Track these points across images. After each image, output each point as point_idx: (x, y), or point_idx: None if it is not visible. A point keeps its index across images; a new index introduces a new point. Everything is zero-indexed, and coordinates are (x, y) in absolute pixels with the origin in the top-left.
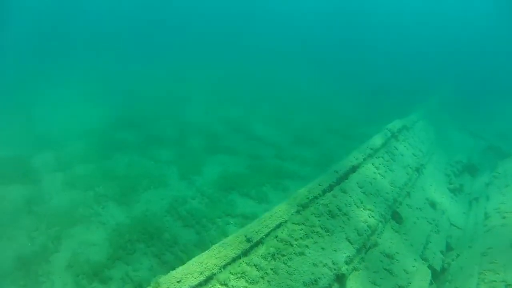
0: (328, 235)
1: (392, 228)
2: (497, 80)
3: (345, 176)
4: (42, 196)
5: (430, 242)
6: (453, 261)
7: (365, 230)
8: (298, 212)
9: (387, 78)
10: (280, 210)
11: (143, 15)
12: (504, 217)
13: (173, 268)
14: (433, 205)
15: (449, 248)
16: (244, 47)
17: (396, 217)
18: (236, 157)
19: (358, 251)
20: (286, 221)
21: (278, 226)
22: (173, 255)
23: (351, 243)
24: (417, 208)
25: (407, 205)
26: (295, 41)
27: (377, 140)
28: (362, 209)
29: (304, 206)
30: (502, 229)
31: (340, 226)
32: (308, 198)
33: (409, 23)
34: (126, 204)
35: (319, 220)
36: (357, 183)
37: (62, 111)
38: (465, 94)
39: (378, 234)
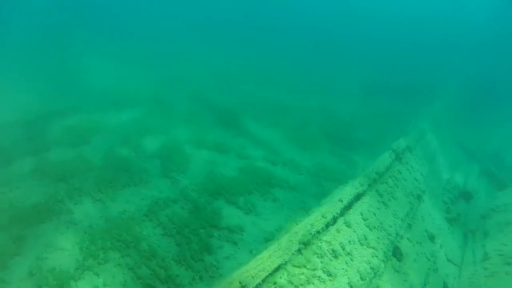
0: (330, 280)
1: (393, 267)
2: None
3: (349, 206)
4: (7, 183)
5: (429, 283)
6: None
7: (368, 273)
8: (299, 251)
9: (389, 77)
10: (280, 248)
11: None
12: (508, 263)
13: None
14: (432, 238)
15: None
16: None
17: (397, 253)
18: (225, 156)
19: None
20: (286, 263)
21: (277, 269)
22: (149, 270)
23: None
24: (417, 242)
25: (408, 238)
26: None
27: (382, 163)
28: (365, 247)
29: (306, 244)
30: (507, 278)
31: (343, 269)
32: (310, 233)
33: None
34: (102, 201)
35: (321, 262)
36: (361, 215)
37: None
38: (467, 100)
39: (379, 276)
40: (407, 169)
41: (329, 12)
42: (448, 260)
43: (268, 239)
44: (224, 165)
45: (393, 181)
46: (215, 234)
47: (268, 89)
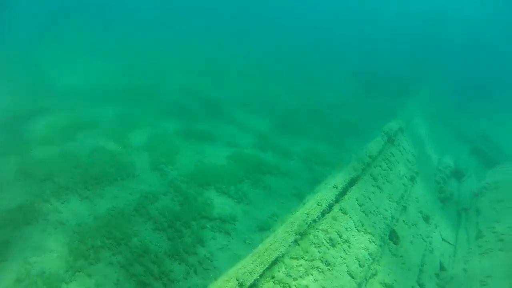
0: (329, 269)
1: (390, 251)
2: (489, 77)
3: (344, 192)
4: None
5: (425, 263)
6: (446, 284)
7: (366, 260)
8: (296, 242)
9: (381, 65)
10: (276, 240)
11: None
12: (501, 240)
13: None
14: (426, 219)
15: (442, 267)
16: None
17: (394, 237)
18: (214, 144)
19: (360, 285)
20: (283, 255)
21: (275, 262)
22: (142, 267)
23: (353, 277)
24: (412, 224)
25: (403, 221)
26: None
27: (374, 146)
28: (362, 233)
29: (303, 234)
30: (501, 255)
31: (341, 257)
32: (306, 223)
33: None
34: (90, 199)
35: (319, 252)
36: (357, 200)
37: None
38: (455, 87)
39: (377, 261)
40: (400, 151)
41: (319, 2)
42: (443, 239)
43: (262, 227)
44: (213, 154)
45: (386, 164)
46: (207, 225)
47: (257, 79)
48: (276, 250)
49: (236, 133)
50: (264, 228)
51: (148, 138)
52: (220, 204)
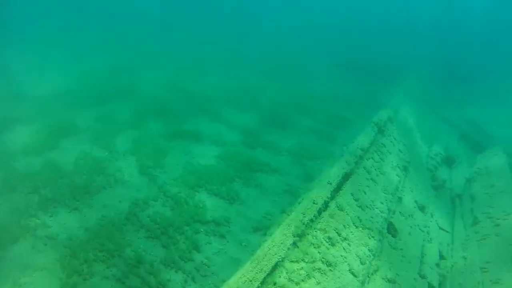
0: (331, 270)
1: (389, 244)
2: (470, 62)
3: (339, 187)
4: None
5: (425, 254)
6: (448, 273)
7: (367, 256)
8: (295, 244)
9: (365, 55)
10: (275, 244)
11: None
12: (497, 225)
13: None
14: (422, 208)
15: (441, 256)
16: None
17: (391, 229)
18: (201, 144)
19: (363, 283)
20: (283, 260)
21: (275, 267)
22: (139, 278)
23: (355, 276)
24: (409, 215)
25: (400, 212)
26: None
27: (365, 138)
28: (361, 229)
29: (301, 235)
30: (498, 240)
31: (342, 256)
32: (303, 223)
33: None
34: (79, 210)
35: (319, 252)
36: (352, 195)
37: None
38: (439, 73)
39: (378, 257)
40: (391, 141)
41: None
42: (440, 228)
43: (257, 228)
44: (201, 154)
45: (378, 155)
46: (201, 230)
47: (241, 73)
48: (275, 254)
49: (223, 131)
50: (259, 228)
51: (134, 141)
52: (213, 206)
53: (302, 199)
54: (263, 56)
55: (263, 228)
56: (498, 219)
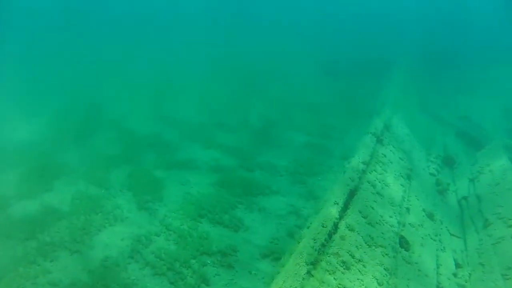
0: None
1: (404, 259)
2: (453, 50)
3: (346, 206)
4: None
5: (441, 264)
6: (466, 282)
7: (384, 276)
8: (309, 273)
9: (349, 52)
10: (288, 276)
11: None
12: (510, 226)
13: None
14: (430, 216)
15: (457, 265)
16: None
17: (403, 243)
18: (197, 172)
19: None
20: None
21: None
22: None
23: None
24: (419, 225)
25: (410, 224)
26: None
27: (365, 151)
28: (374, 247)
29: (314, 263)
30: None
31: (359, 280)
32: (315, 249)
33: None
34: (80, 252)
35: (335, 279)
36: (360, 213)
37: None
38: (425, 67)
39: (394, 275)
40: (390, 150)
41: None
42: (451, 234)
43: (265, 254)
44: (200, 183)
45: (380, 166)
46: (208, 262)
47: (224, 89)
48: (291, 287)
49: (218, 156)
50: (267, 254)
51: (128, 175)
52: (217, 236)
53: (311, 223)
54: (245, 63)
55: (271, 254)
56: (510, 219)
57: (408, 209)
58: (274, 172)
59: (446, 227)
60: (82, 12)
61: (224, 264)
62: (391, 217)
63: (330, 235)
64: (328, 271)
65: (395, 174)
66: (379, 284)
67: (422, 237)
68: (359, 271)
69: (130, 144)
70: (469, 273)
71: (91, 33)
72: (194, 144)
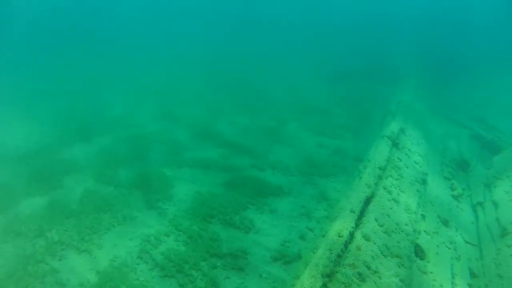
0: None
1: (419, 269)
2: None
3: (362, 214)
4: None
5: (456, 274)
6: None
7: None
8: (325, 286)
9: (354, 61)
10: None
11: None
12: None
13: None
14: (445, 223)
15: (473, 274)
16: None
17: (419, 251)
18: (208, 171)
19: None
20: None
21: None
22: None
23: None
24: (433, 232)
25: (425, 231)
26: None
27: (381, 155)
28: (390, 258)
29: (330, 275)
30: None
31: None
32: (331, 261)
33: None
34: (88, 251)
35: None
36: (376, 221)
37: None
38: (436, 70)
39: (409, 286)
40: (406, 154)
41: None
42: (466, 242)
43: (276, 257)
44: (210, 182)
45: (396, 171)
46: (219, 264)
47: (235, 90)
48: None
49: (229, 155)
50: (278, 258)
51: (138, 173)
52: (228, 237)
53: (326, 231)
54: (255, 71)
55: (282, 257)
56: None
57: (423, 216)
58: (286, 172)
59: (461, 234)
60: (86, 18)
61: (234, 267)
62: (406, 225)
63: (346, 245)
64: (344, 283)
65: (411, 180)
66: None
67: (437, 245)
68: (374, 283)
69: (139, 142)
70: (486, 284)
71: (95, 38)
72: (205, 143)
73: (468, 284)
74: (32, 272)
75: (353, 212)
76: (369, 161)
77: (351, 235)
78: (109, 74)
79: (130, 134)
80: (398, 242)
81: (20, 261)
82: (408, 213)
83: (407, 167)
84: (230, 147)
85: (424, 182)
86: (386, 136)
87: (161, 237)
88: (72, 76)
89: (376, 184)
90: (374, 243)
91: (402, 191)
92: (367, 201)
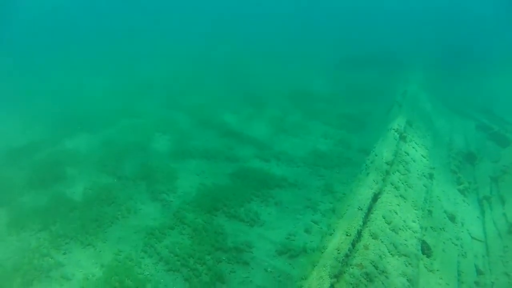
0: None
1: (426, 267)
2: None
3: (369, 211)
4: None
5: (462, 272)
6: None
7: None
8: (332, 287)
9: (360, 47)
10: None
11: None
12: None
13: None
14: (452, 218)
15: (479, 271)
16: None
17: (425, 249)
18: (214, 162)
19: None
20: None
21: None
22: None
23: None
24: (440, 228)
25: (431, 227)
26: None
27: (388, 149)
28: (397, 257)
29: (338, 276)
30: None
31: None
32: (339, 261)
33: None
34: (92, 245)
35: None
36: (384, 218)
37: None
38: (442, 62)
39: (416, 284)
40: (413, 147)
41: None
42: (472, 238)
43: (281, 251)
44: (215, 174)
45: (403, 166)
46: (224, 258)
47: (239, 80)
48: None
49: (233, 144)
50: (283, 251)
51: (141, 164)
52: (233, 231)
53: (333, 230)
54: (260, 59)
55: (287, 251)
56: None
57: (430, 212)
58: (291, 163)
59: (467, 229)
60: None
61: (239, 260)
62: (414, 221)
63: (353, 244)
64: (351, 284)
65: (418, 174)
66: None
67: (443, 242)
68: (382, 283)
69: (143, 132)
70: (492, 282)
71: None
72: (208, 132)
73: (475, 282)
74: (37, 265)
75: (361, 209)
76: (376, 155)
77: (359, 234)
78: (112, 69)
79: (133, 125)
80: (406, 240)
81: (25, 254)
82: (415, 210)
83: (414, 161)
84: (234, 137)
85: (431, 176)
86: (393, 129)
87: (165, 230)
88: (73, 71)
89: (383, 180)
90: (382, 241)
91: (409, 187)
92: (375, 198)
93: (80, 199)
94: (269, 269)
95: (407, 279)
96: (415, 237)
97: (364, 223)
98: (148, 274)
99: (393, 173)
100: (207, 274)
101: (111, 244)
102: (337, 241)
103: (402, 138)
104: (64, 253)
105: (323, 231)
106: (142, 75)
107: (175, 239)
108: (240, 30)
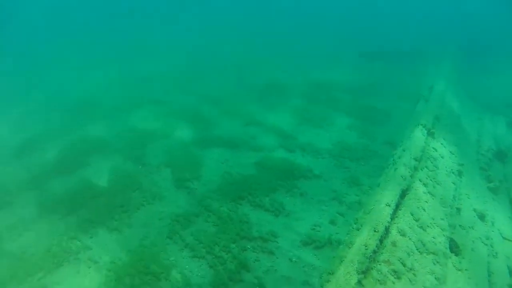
0: None
1: (454, 266)
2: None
3: (397, 208)
4: (14, 227)
5: (493, 272)
6: None
7: (435, 286)
8: (360, 283)
9: (384, 40)
10: (339, 286)
11: None
12: None
13: None
14: (482, 217)
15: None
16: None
17: (454, 247)
18: (236, 150)
19: None
20: None
21: None
22: None
23: None
24: (469, 227)
25: (460, 226)
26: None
27: (416, 144)
28: (425, 254)
29: (365, 272)
30: None
31: None
32: (367, 257)
33: None
34: (119, 230)
35: None
36: (412, 215)
37: None
38: (472, 56)
39: (444, 283)
40: (441, 143)
41: None
42: (503, 238)
43: (306, 242)
44: (239, 163)
45: (431, 162)
46: (248, 246)
47: (261, 69)
48: None
49: (258, 134)
50: (308, 242)
51: (166, 151)
52: (257, 220)
53: (361, 224)
54: (283, 50)
55: (312, 242)
56: None
57: (458, 210)
58: (316, 154)
59: (498, 229)
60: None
61: (264, 250)
62: (442, 219)
63: (381, 241)
64: (379, 280)
65: (446, 170)
66: None
67: (472, 241)
68: (409, 280)
69: (169, 119)
70: None
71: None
72: (233, 121)
73: (508, 285)
74: (66, 248)
75: (389, 205)
76: (404, 150)
77: (387, 230)
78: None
79: (157, 112)
80: (434, 238)
81: (55, 237)
82: (443, 207)
83: (442, 157)
84: (257, 126)
85: (460, 173)
86: (421, 125)
87: (191, 218)
88: (94, 63)
89: (411, 176)
90: (410, 238)
91: (437, 184)
92: (403, 194)
93: (105, 184)
94: (294, 259)
95: (435, 277)
96: (443, 235)
97: (392, 219)
98: (173, 260)
99: (421, 169)
100: (232, 262)
101: (137, 229)
102: (365, 237)
103: (430, 134)
104: (91, 237)
105: (349, 224)
106: (168, 63)
107: (200, 226)
108: (259, 24)
